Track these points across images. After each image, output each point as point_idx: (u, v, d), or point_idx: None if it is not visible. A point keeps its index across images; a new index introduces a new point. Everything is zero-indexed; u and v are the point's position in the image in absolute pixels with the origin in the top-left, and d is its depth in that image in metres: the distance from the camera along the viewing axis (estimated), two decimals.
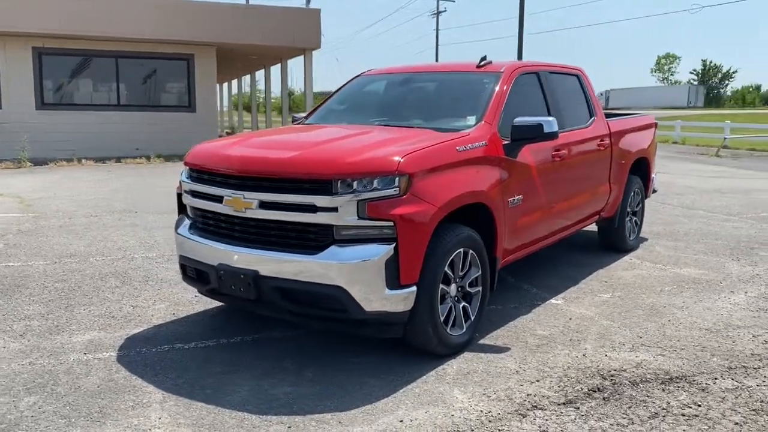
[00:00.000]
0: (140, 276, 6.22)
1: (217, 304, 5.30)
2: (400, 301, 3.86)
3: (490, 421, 3.43)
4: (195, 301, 5.43)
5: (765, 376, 4.01)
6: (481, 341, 4.57)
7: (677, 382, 3.92)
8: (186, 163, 4.58)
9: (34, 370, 4.06)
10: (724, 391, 3.80)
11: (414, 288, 3.88)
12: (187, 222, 4.63)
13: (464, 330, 4.34)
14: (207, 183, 4.31)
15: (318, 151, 4.13)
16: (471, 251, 4.31)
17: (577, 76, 6.34)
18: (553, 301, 5.53)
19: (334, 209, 3.78)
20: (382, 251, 3.77)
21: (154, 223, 8.86)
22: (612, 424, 3.40)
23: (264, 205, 3.96)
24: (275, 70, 27.39)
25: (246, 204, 4.02)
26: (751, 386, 3.88)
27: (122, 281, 6.05)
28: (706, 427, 3.38)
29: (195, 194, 4.44)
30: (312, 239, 3.91)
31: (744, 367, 4.16)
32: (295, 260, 3.88)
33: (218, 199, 4.20)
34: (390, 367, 4.14)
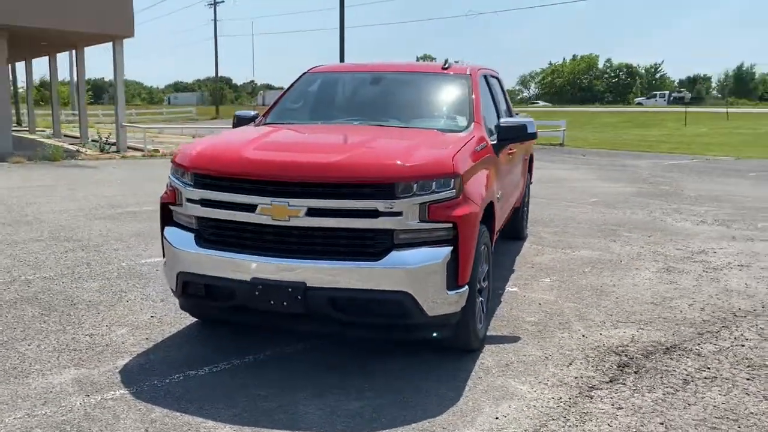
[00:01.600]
0: (60, 300, 5.36)
1: (186, 323, 4.84)
2: (457, 301, 3.90)
3: (570, 407, 3.64)
4: (155, 323, 4.87)
5: (730, 337, 4.76)
6: (489, 333, 4.76)
7: (675, 351, 4.48)
8: (187, 168, 4.08)
9: (47, 423, 3.37)
10: (714, 354, 4.44)
11: (467, 288, 3.94)
12: (185, 234, 4.12)
13: (482, 324, 4.50)
14: (230, 191, 3.89)
15: (369, 154, 3.97)
16: (485, 247, 4.47)
17: (498, 78, 6.77)
18: (510, 289, 5.90)
19: (399, 213, 3.69)
20: (444, 253, 3.77)
21: (9, 236, 7.60)
22: (664, 394, 3.81)
23: (314, 212, 3.72)
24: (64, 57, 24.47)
25: (291, 212, 3.73)
26: (727, 347, 4.58)
27: (44, 308, 5.16)
28: (730, 385, 3.95)
29: (209, 203, 3.98)
30: (368, 245, 3.77)
31: (708, 332, 4.88)
32: (354, 268, 3.72)
33: (248, 208, 3.83)
34: (432, 367, 4.15)
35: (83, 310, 5.12)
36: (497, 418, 3.51)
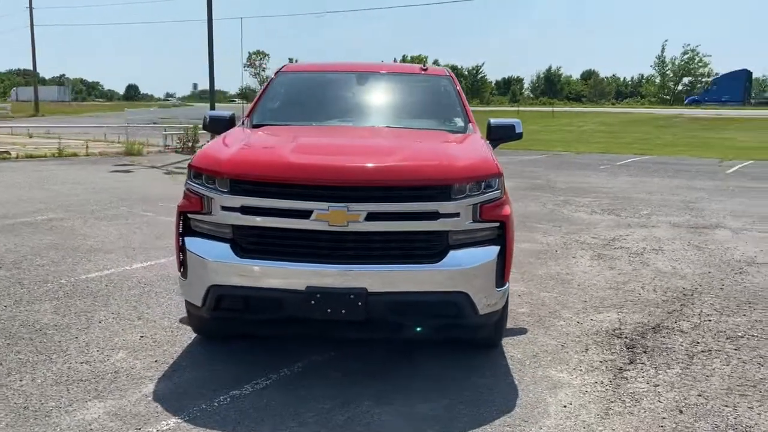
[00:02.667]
0: (18, 326, 4.72)
1: (184, 341, 4.52)
2: (502, 298, 4.02)
3: (616, 388, 3.92)
4: (150, 343, 4.49)
5: (695, 314, 5.34)
6: None
7: (662, 330, 4.95)
8: (220, 174, 3.78)
9: None
10: (694, 330, 4.97)
11: (508, 285, 4.08)
12: (218, 244, 3.83)
13: None
14: (279, 197, 3.67)
15: (422, 156, 3.95)
16: None
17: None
18: None
19: (456, 215, 3.73)
20: (495, 251, 3.87)
21: None
22: (682, 369, 4.22)
23: (374, 216, 3.64)
24: None
25: (351, 217, 3.62)
26: (699, 322, 5.14)
27: (5, 337, 4.52)
28: (725, 356, 4.46)
29: (251, 211, 3.73)
30: (426, 247, 3.76)
31: (675, 311, 5.43)
32: (414, 271, 3.70)
33: (302, 214, 3.66)
34: (470, 365, 4.25)
35: (56, 336, 4.55)
36: (565, 406, 3.68)
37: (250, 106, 5.27)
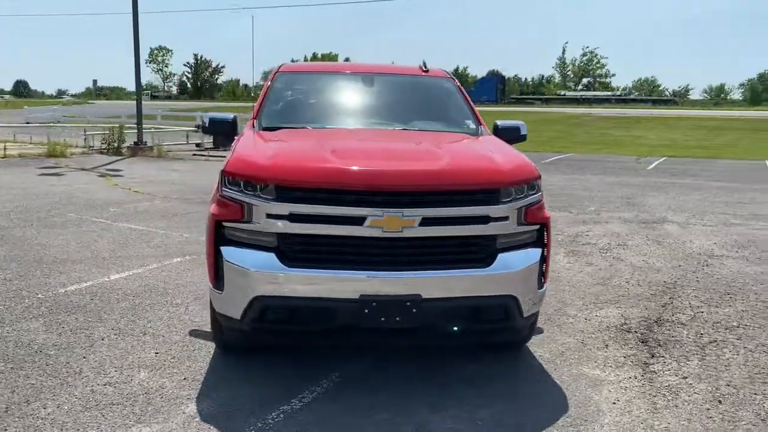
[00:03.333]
0: (12, 347, 4.33)
1: (207, 356, 4.31)
2: (541, 300, 4.08)
3: (650, 384, 4.06)
4: (170, 360, 4.24)
5: (685, 306, 5.60)
6: None
7: (665, 324, 5.17)
8: (264, 180, 3.61)
9: None
10: (692, 322, 5.22)
11: (546, 286, 4.13)
12: (261, 254, 3.65)
13: None
14: (331, 203, 3.55)
15: (471, 160, 3.93)
16: None
17: None
18: None
19: (506, 218, 3.74)
20: (538, 254, 3.92)
21: None
22: (700, 361, 4.42)
23: (428, 221, 3.59)
24: None
25: (405, 222, 3.55)
26: (693, 314, 5.41)
27: (4, 359, 4.14)
28: (731, 345, 4.72)
29: (300, 218, 3.59)
30: (476, 251, 3.76)
31: (666, 304, 5.69)
32: (467, 275, 3.68)
33: (355, 221, 3.55)
34: (505, 367, 4.30)
35: (60, 356, 4.21)
36: (614, 403, 3.78)
37: (255, 107, 5.05)
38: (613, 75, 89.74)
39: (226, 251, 3.72)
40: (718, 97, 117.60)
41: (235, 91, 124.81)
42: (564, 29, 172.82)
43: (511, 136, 5.20)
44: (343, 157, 3.77)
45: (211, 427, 3.38)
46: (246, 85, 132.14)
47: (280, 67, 5.50)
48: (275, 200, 3.59)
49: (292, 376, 4.03)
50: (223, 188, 3.78)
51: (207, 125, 5.07)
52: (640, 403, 3.78)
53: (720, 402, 3.81)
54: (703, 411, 3.69)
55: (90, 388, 3.79)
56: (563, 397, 3.85)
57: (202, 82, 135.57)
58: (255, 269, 3.61)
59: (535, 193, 3.92)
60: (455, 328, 3.81)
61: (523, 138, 5.30)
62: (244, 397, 3.73)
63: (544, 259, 3.96)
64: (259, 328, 3.78)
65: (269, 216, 3.61)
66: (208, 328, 4.72)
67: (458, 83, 5.53)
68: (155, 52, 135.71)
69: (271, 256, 3.63)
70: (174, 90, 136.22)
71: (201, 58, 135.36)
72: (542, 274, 3.97)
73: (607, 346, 4.67)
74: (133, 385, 3.84)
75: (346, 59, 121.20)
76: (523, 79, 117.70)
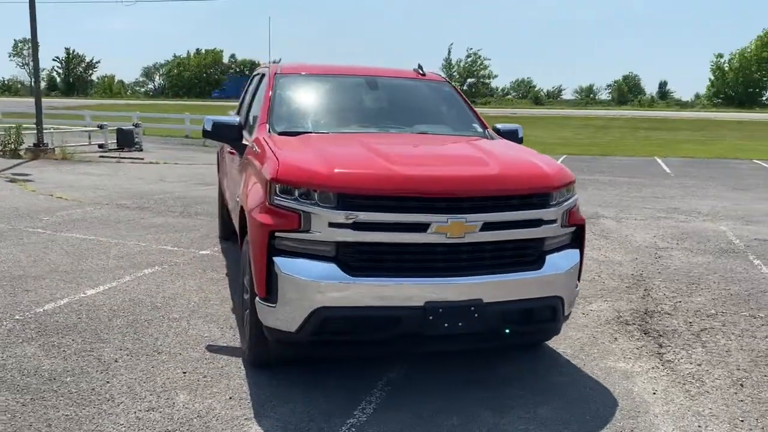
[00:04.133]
0: (16, 375, 3.94)
1: (238, 371, 4.12)
2: (576, 299, 4.24)
3: (673, 372, 4.33)
4: (203, 379, 4.02)
5: (662, 297, 6.00)
6: None
7: (654, 315, 5.51)
8: (325, 188, 3.50)
9: None
10: (675, 312, 5.60)
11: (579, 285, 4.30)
12: (320, 264, 3.54)
13: None
14: (395, 210, 3.51)
15: (522, 165, 3.98)
16: None
17: None
18: None
19: (554, 221, 3.86)
20: (578, 254, 4.08)
21: None
22: (703, 348, 4.76)
23: (488, 226, 3.64)
24: None
25: (468, 228, 3.58)
26: (674, 304, 5.80)
27: (10, 390, 3.76)
28: (721, 332, 5.11)
29: (364, 226, 3.51)
30: (527, 254, 3.85)
31: (645, 296, 6.06)
32: (522, 279, 3.77)
33: (419, 228, 3.53)
34: (539, 364, 4.43)
35: (80, 383, 3.88)
36: (654, 393, 4.00)
37: (261, 111, 4.86)
38: (496, 76, 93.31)
39: (282, 262, 3.58)
40: (587, 97, 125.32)
41: (111, 87, 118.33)
42: (450, 31, 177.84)
43: (510, 139, 5.34)
44: (400, 163, 3.74)
45: None
46: (122, 82, 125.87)
47: (276, 68, 5.32)
48: (337, 208, 3.50)
49: (341, 386, 3.95)
50: (275, 197, 3.63)
51: (209, 129, 4.84)
52: (676, 392, 4.02)
53: (742, 386, 4.13)
54: (731, 395, 3.99)
55: (134, 415, 3.52)
56: (606, 390, 4.02)
57: (74, 78, 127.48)
58: (318, 280, 3.51)
59: (574, 197, 4.06)
60: (507, 331, 3.88)
61: (521, 141, 5.46)
62: (303, 413, 3.61)
63: (581, 260, 4.12)
64: (316, 341, 3.67)
65: (331, 224, 3.50)
66: (222, 342, 4.54)
67: (456, 87, 5.60)
68: (20, 44, 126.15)
69: (333, 266, 3.54)
70: (42, 85, 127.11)
71: (73, 52, 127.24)
72: (578, 275, 4.12)
73: (616, 339, 4.91)
74: (179, 409, 3.61)
75: (232, 56, 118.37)
76: None
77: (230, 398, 3.76)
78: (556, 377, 4.22)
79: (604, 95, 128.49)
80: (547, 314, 3.93)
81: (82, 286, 5.72)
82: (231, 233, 7.56)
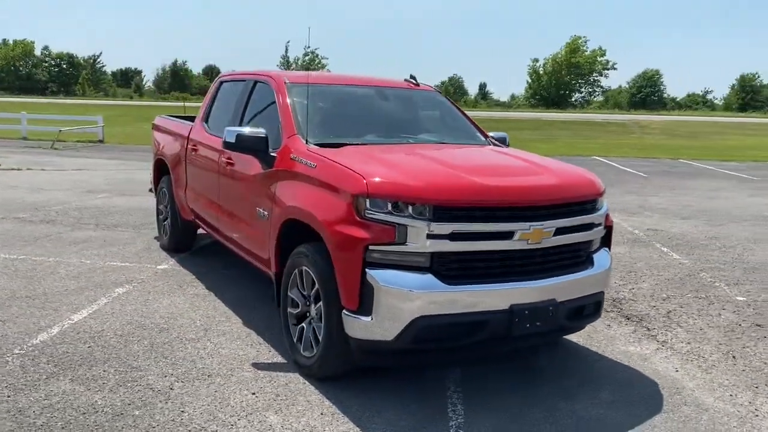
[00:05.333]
0: (80, 416, 3.62)
1: (303, 383, 4.09)
2: None
3: (676, 351, 4.96)
4: (276, 398, 3.95)
5: (618, 285, 6.73)
6: None
7: (623, 302, 6.18)
8: (422, 200, 3.62)
9: None
10: (635, 297, 6.32)
11: None
12: (416, 275, 3.66)
13: None
14: (486, 220, 3.71)
15: (574, 175, 4.30)
16: None
17: None
18: None
19: (600, 224, 4.30)
20: (608, 253, 4.55)
21: None
22: (683, 328, 5.47)
23: (559, 231, 3.98)
24: None
25: (546, 234, 3.90)
26: (632, 290, 6.53)
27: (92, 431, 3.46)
28: (684, 314, 5.87)
29: (460, 236, 3.68)
30: (581, 255, 4.24)
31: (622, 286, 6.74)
32: (581, 277, 4.15)
33: (505, 235, 3.78)
34: (567, 355, 4.84)
35: (154, 414, 3.65)
36: (676, 371, 4.57)
37: (285, 122, 4.79)
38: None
39: (379, 275, 3.65)
40: None
41: None
42: (288, 28, 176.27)
43: (503, 145, 5.73)
44: (476, 174, 3.96)
45: None
46: None
47: (283, 78, 5.22)
48: (435, 220, 3.64)
49: (414, 392, 4.08)
50: (367, 211, 3.68)
51: (232, 141, 4.70)
52: (691, 368, 4.63)
53: (734, 357, 4.84)
54: (732, 367, 4.67)
55: None
56: (639, 372, 4.53)
57: None
58: (417, 290, 3.62)
59: (604, 201, 4.52)
60: (563, 326, 4.23)
61: (507, 147, 5.87)
62: (406, 420, 3.71)
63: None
64: (413, 349, 3.77)
65: (430, 236, 3.63)
66: (261, 359, 4.46)
67: (448, 97, 5.86)
68: None
69: (429, 276, 3.68)
70: None
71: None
72: None
73: (609, 326, 5.47)
74: (283, 430, 3.53)
75: (45, 48, 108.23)
76: None
77: (322, 414, 3.75)
78: (593, 364, 4.66)
79: None
80: (594, 308, 4.35)
81: (62, 312, 5.22)
82: (186, 246, 7.26)
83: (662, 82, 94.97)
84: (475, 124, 5.66)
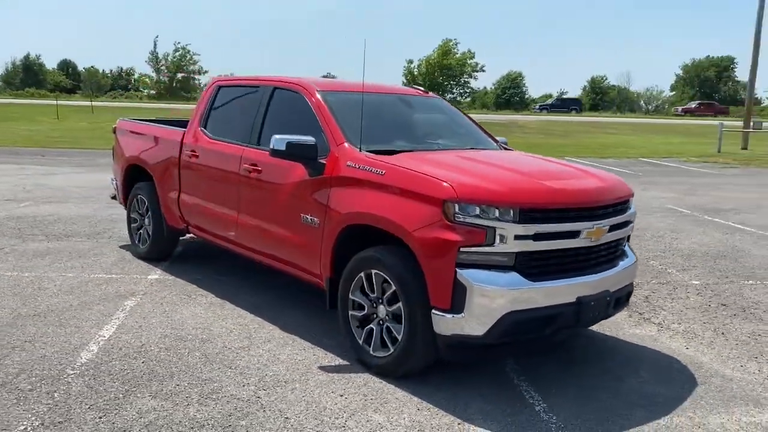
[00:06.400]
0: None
1: (379, 383, 4.26)
2: None
3: (671, 329, 5.61)
4: (359, 397, 4.11)
5: None
6: None
7: None
8: (507, 205, 3.92)
9: None
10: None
11: None
12: (504, 274, 3.96)
13: None
14: (560, 221, 4.08)
15: (610, 177, 4.74)
16: None
17: None
18: None
19: (632, 221, 4.81)
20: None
21: None
22: (665, 310, 6.16)
23: (612, 228, 4.43)
24: None
25: (603, 231, 4.34)
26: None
27: None
28: (660, 299, 6.59)
29: (540, 237, 4.02)
30: (619, 249, 4.73)
31: None
32: (624, 269, 4.63)
33: (574, 234, 4.17)
34: (590, 344, 5.32)
35: (259, 426, 3.68)
36: (686, 348, 5.19)
37: (331, 129, 4.90)
38: (206, 72, 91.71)
39: (471, 275, 3.92)
40: None
41: None
42: (153, 23, 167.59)
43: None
44: (544, 178, 4.33)
45: None
46: None
47: (319, 87, 5.29)
48: (520, 222, 3.96)
49: (483, 385, 4.35)
50: (456, 215, 3.92)
51: (282, 149, 4.74)
52: (697, 345, 5.27)
53: (723, 333, 5.56)
54: (726, 342, 5.37)
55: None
56: (660, 353, 5.08)
57: None
58: (506, 287, 3.93)
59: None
60: (608, 315, 4.69)
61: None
62: (504, 409, 3.98)
63: None
64: (500, 342, 4.06)
65: (516, 237, 3.95)
66: (323, 362, 4.58)
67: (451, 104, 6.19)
68: None
69: (515, 274, 4.00)
70: None
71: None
72: None
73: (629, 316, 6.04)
74: (396, 427, 3.70)
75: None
76: (108, 71, 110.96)
77: (419, 409, 3.94)
78: (617, 346, 5.17)
79: None
80: (627, 297, 4.85)
81: (86, 329, 5.00)
82: (168, 254, 7.07)
83: (524, 84, 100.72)
84: (483, 128, 6.02)
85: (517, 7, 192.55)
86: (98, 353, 4.53)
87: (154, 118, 8.40)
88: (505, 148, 5.82)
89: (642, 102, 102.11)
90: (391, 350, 4.28)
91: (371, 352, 4.41)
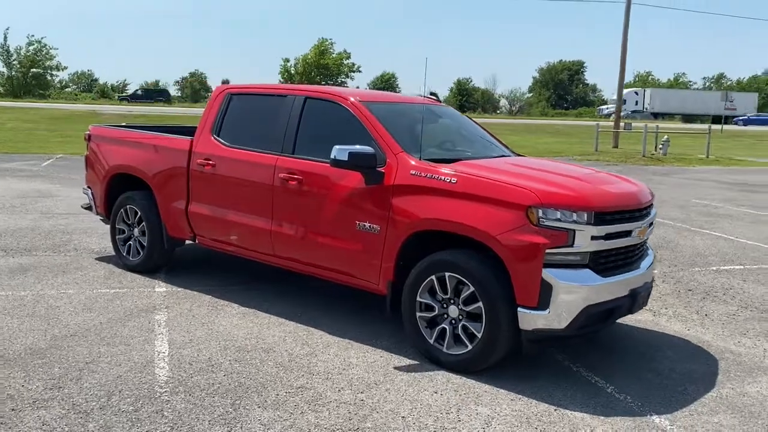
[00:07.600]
0: None
1: (461, 380, 4.55)
2: None
3: (683, 319, 6.34)
4: (462, 395, 4.38)
5: None
6: None
7: None
8: (586, 208, 4.35)
9: None
10: None
11: None
12: (581, 271, 4.38)
13: None
14: (621, 222, 4.58)
15: (639, 183, 5.25)
16: None
17: None
18: None
19: (653, 221, 5.43)
20: None
21: None
22: (673, 298, 6.91)
23: (648, 227, 5.01)
24: None
25: (646, 230, 4.91)
26: None
27: None
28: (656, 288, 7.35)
29: (609, 236, 4.49)
30: (647, 246, 5.32)
31: None
32: (652, 263, 5.21)
33: (628, 233, 4.68)
34: (637, 335, 5.90)
35: (384, 426, 3.86)
36: (688, 330, 5.89)
37: (385, 139, 5.08)
38: (65, 68, 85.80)
39: (555, 273, 4.32)
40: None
41: None
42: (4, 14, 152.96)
43: None
44: (604, 184, 4.88)
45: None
46: None
47: (358, 99, 5.43)
48: (595, 224, 4.41)
49: (545, 374, 4.76)
50: (541, 219, 4.30)
51: (344, 159, 4.87)
52: (693, 326, 5.98)
53: (706, 315, 6.35)
54: (713, 322, 6.14)
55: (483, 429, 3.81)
56: (666, 335, 5.74)
57: None
58: (586, 284, 4.37)
59: None
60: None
61: None
62: (605, 401, 4.39)
63: None
64: (575, 334, 4.49)
65: (593, 238, 4.40)
66: (394, 364, 4.78)
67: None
68: None
69: (589, 271, 4.45)
70: None
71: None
72: None
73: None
74: (525, 414, 4.01)
75: None
76: None
77: (512, 400, 4.27)
78: (635, 334, 5.75)
79: (173, 91, 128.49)
80: (649, 290, 5.45)
81: (137, 345, 4.86)
82: (164, 264, 6.87)
83: (398, 84, 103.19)
84: (493, 134, 6.42)
85: (390, 9, 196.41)
86: (173, 370, 4.44)
87: (136, 125, 8.04)
88: (518, 155, 6.26)
89: (507, 102, 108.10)
90: (470, 347, 4.56)
91: (445, 350, 4.67)
